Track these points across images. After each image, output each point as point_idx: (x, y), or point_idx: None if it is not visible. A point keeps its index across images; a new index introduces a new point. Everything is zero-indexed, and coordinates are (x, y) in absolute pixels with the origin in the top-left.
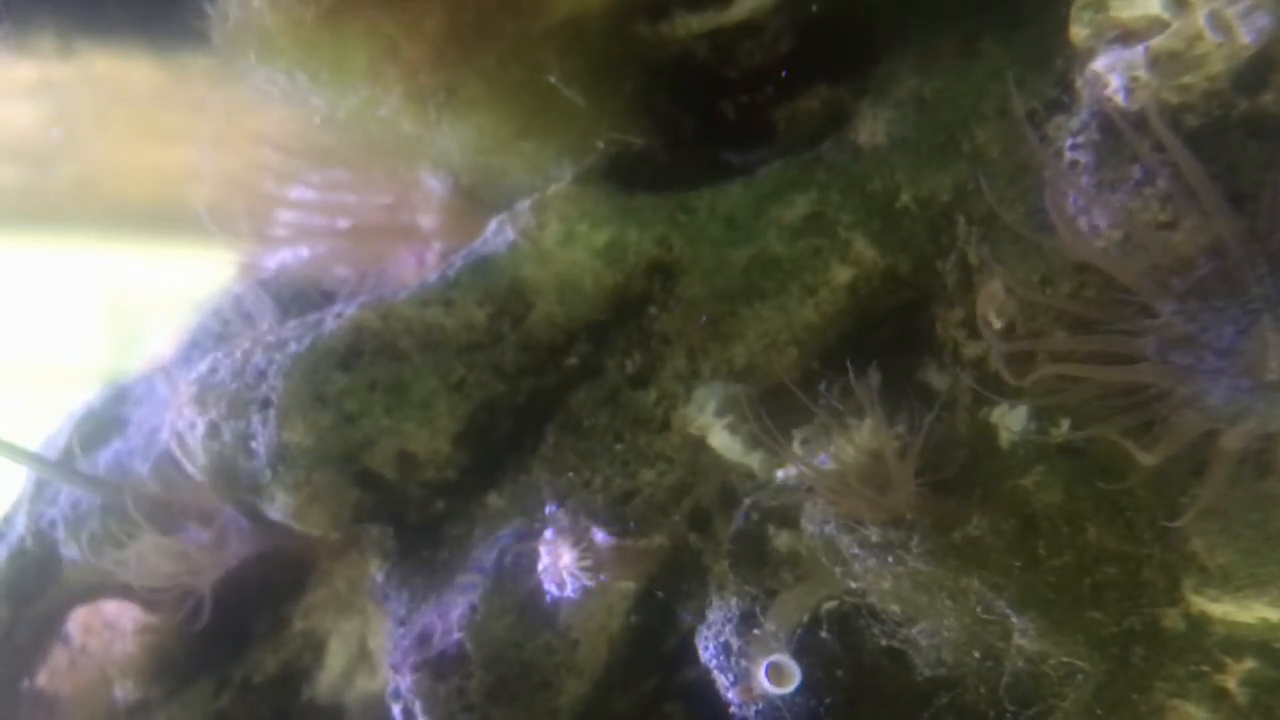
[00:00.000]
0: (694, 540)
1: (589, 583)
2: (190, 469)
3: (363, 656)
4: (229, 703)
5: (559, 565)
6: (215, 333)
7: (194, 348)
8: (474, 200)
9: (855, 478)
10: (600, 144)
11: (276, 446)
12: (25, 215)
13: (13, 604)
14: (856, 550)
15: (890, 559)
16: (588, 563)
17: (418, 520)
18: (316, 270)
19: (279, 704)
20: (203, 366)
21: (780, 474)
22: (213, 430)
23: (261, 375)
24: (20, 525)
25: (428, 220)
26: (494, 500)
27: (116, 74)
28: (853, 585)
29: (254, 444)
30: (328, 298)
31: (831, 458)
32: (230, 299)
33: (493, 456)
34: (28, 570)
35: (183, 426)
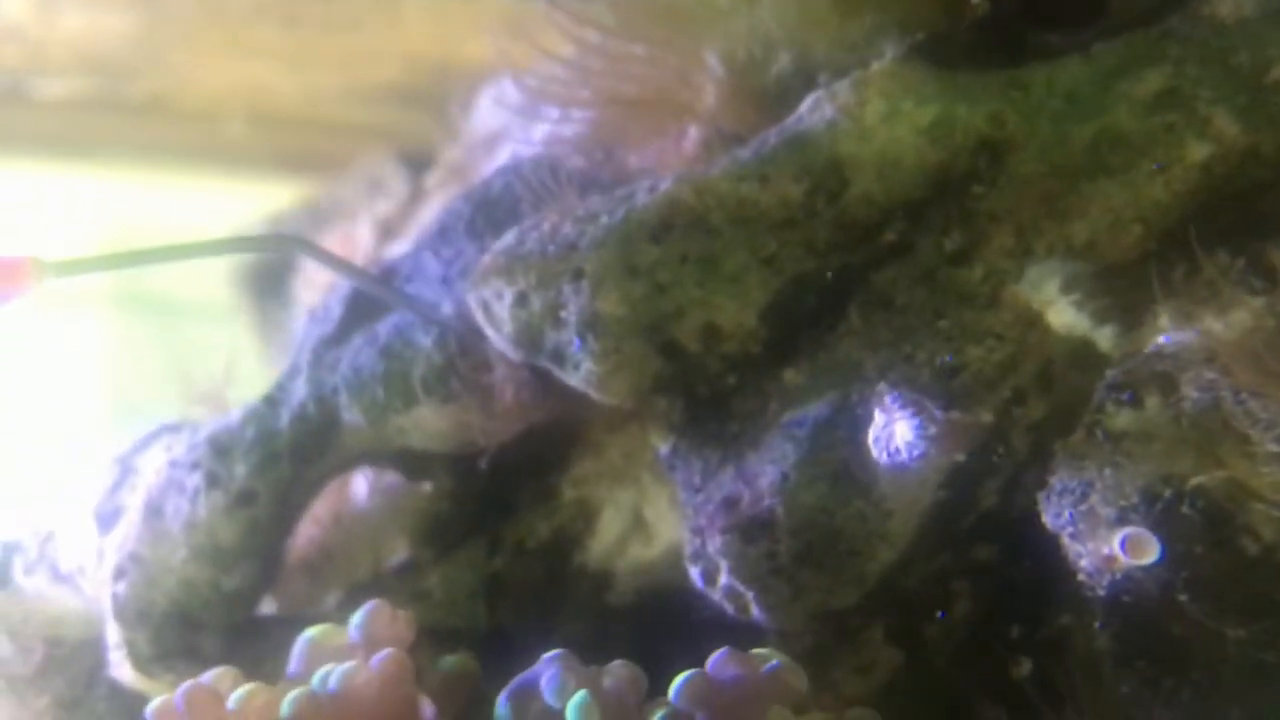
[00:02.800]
0: (1018, 415)
1: (929, 453)
2: (494, 336)
3: (637, 525)
4: (504, 564)
5: (897, 433)
6: (466, 217)
7: (446, 231)
8: (745, 85)
9: (1264, 345)
10: (926, 21)
11: (589, 315)
12: (84, 139)
13: (294, 464)
14: (1263, 415)
15: None
16: (932, 431)
17: (707, 394)
18: (588, 142)
19: (552, 567)
20: (509, 238)
21: (1151, 347)
22: (520, 299)
23: (572, 247)
24: (301, 391)
25: (705, 100)
26: (790, 376)
27: None
28: (1246, 458)
29: (563, 313)
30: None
31: (1228, 326)
32: (483, 185)
33: (791, 333)
34: (308, 434)
35: (489, 296)
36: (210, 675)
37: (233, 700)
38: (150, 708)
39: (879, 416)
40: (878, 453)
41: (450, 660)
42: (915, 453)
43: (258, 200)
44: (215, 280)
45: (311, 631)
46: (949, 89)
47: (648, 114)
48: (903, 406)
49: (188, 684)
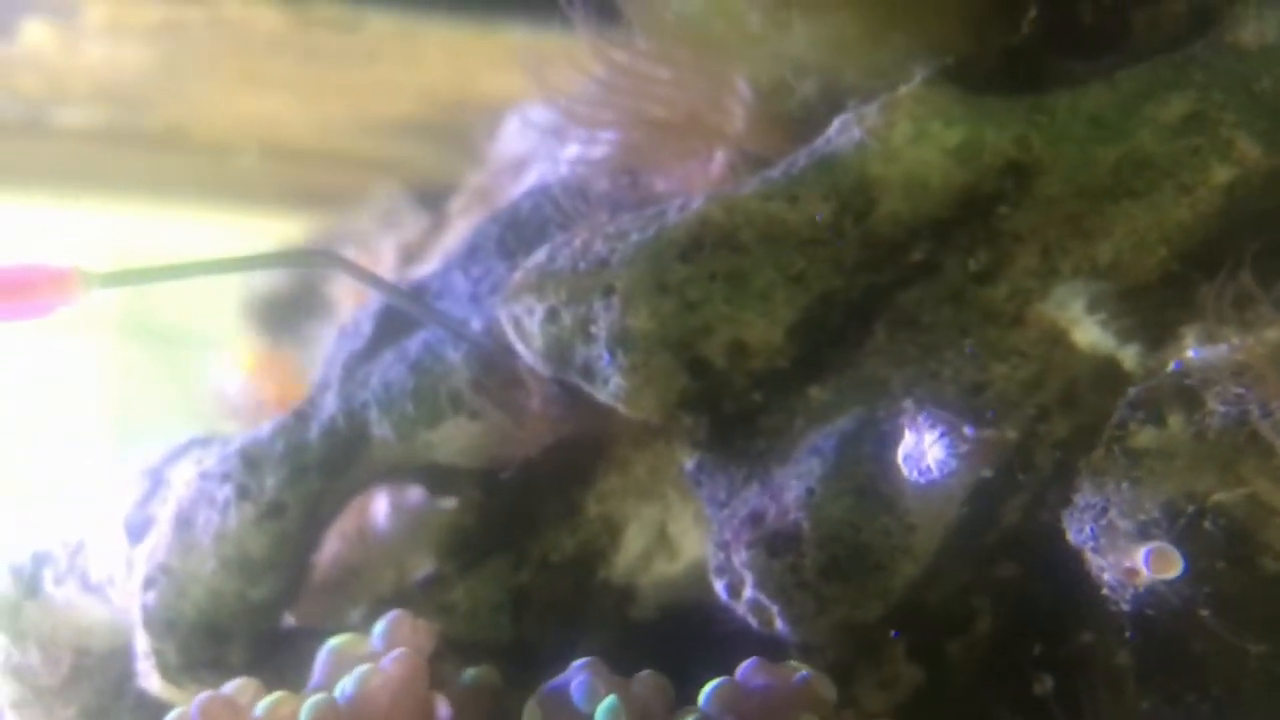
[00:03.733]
0: (1042, 432)
1: (960, 471)
2: (524, 351)
3: (661, 541)
4: (529, 578)
5: (929, 453)
6: (495, 237)
7: (475, 251)
8: (772, 109)
9: None
10: (953, 46)
11: (619, 331)
12: (100, 169)
13: (323, 478)
14: None
15: None
16: (963, 450)
17: (733, 410)
18: (615, 164)
19: (577, 581)
20: (540, 255)
21: (1175, 364)
22: (551, 315)
23: (603, 263)
24: (331, 406)
25: (733, 123)
26: (816, 393)
27: (243, 18)
28: (1267, 475)
29: (593, 328)
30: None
31: (1259, 342)
32: (511, 206)
33: (817, 350)
34: (338, 448)
35: (520, 311)
36: (231, 686)
37: (259, 709)
38: None
39: (909, 436)
40: (909, 471)
41: (472, 673)
42: (947, 471)
43: (270, 234)
44: (221, 311)
45: (334, 641)
46: (975, 112)
47: (675, 136)
48: (933, 426)
49: (203, 696)
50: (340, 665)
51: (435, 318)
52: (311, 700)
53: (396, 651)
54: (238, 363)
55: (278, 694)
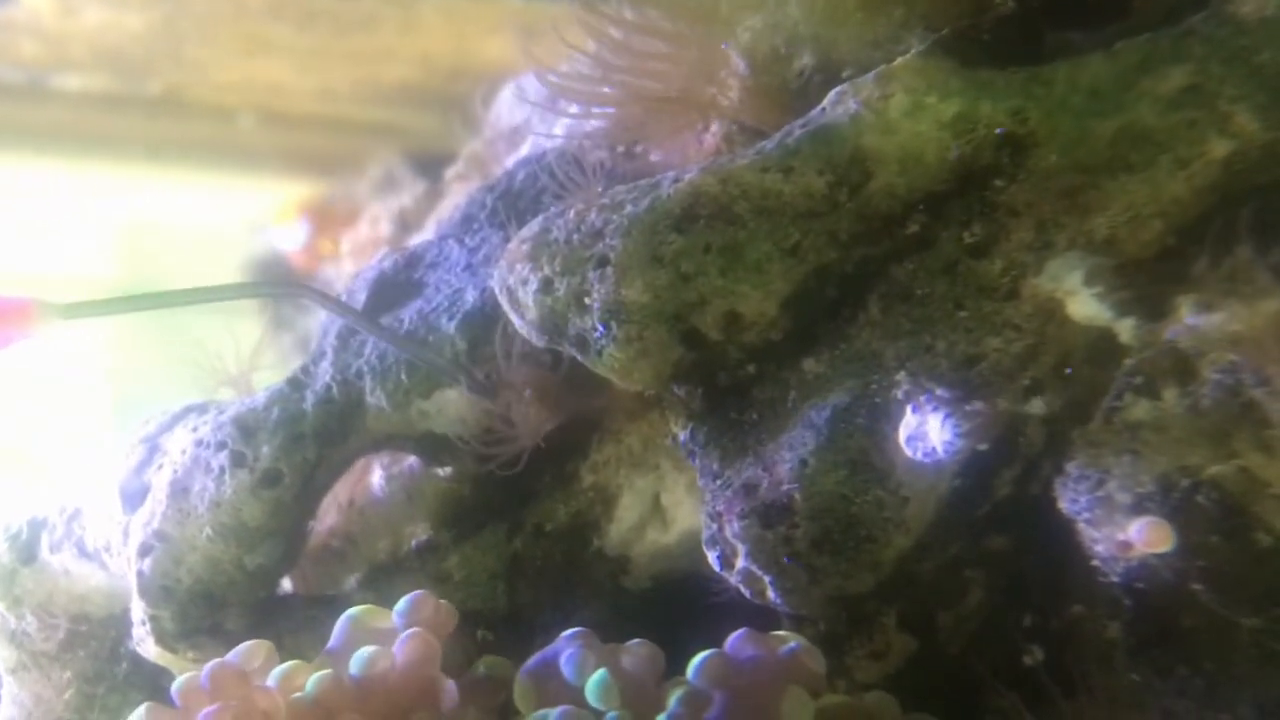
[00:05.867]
0: (1035, 405)
1: (962, 448)
2: (518, 322)
3: (655, 511)
4: (523, 546)
5: (931, 433)
6: (490, 207)
7: (470, 220)
8: (767, 81)
9: None
10: (950, 17)
11: (613, 303)
12: (100, 134)
13: (319, 446)
14: None
15: None
16: (966, 428)
17: (727, 382)
18: (610, 136)
19: (570, 551)
20: (535, 226)
21: (1170, 332)
22: (546, 285)
23: (598, 234)
24: (326, 375)
25: (728, 96)
26: (810, 366)
27: None
28: (1261, 449)
29: (588, 300)
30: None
31: (1255, 313)
32: (506, 175)
33: (811, 323)
34: (333, 416)
35: (514, 282)
36: (241, 650)
37: (273, 678)
38: (176, 686)
39: (912, 417)
40: (912, 452)
41: (487, 660)
42: (951, 450)
43: (269, 197)
44: (223, 278)
45: (355, 611)
46: (972, 84)
47: (670, 109)
48: (936, 408)
49: (214, 663)
50: (357, 636)
51: (409, 348)
52: (318, 675)
53: (407, 633)
54: (286, 207)
55: (292, 663)
